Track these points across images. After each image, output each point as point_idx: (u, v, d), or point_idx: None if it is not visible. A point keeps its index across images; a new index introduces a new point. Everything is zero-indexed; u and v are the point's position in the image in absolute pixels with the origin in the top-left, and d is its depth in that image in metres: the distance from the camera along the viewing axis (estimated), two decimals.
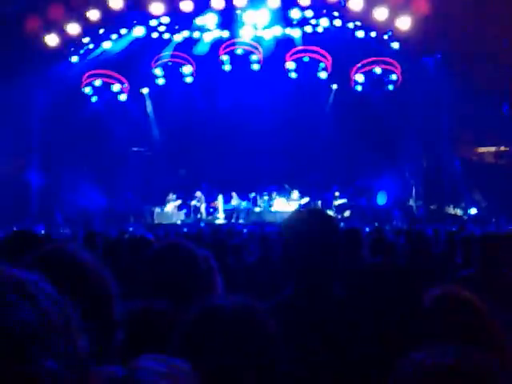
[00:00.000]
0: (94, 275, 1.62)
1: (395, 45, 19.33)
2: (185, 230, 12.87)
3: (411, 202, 18.91)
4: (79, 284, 1.56)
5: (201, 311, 1.52)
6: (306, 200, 18.58)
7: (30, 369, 0.69)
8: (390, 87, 20.26)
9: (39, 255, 1.66)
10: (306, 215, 2.34)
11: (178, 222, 17.90)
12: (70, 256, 1.63)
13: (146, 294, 2.22)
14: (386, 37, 19.31)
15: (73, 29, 18.13)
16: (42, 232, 12.35)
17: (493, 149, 19.66)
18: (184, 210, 18.85)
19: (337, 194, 18.67)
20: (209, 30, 19.36)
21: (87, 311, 1.50)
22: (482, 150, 20.04)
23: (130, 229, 14.25)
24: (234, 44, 19.77)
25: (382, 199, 19.32)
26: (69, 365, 0.75)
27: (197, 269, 2.42)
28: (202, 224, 16.89)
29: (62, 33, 18.50)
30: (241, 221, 17.88)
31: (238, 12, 18.90)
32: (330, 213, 17.82)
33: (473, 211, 18.22)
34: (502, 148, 19.45)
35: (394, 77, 20.08)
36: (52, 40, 18.15)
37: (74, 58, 19.22)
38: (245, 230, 11.09)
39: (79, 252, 1.66)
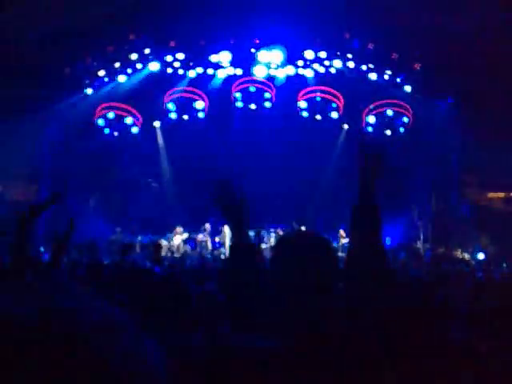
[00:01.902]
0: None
1: (407, 88, 19.50)
2: (189, 262, 12.86)
3: (418, 245, 18.76)
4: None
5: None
6: None
7: None
8: (401, 129, 20.35)
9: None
10: (298, 238, 2.16)
11: (184, 255, 17.88)
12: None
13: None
14: (398, 80, 19.52)
15: (89, 62, 18.62)
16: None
17: (502, 194, 19.59)
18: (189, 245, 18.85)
19: (342, 232, 18.56)
20: (222, 67, 19.68)
21: None
22: (491, 195, 19.97)
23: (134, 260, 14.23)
24: (247, 82, 20.05)
25: (388, 240, 19.21)
26: None
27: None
28: (208, 257, 16.87)
29: (78, 65, 18.94)
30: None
31: (253, 51, 19.23)
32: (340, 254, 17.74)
33: (480, 256, 18.04)
34: None
35: (405, 119, 20.20)
36: (69, 73, 18.55)
37: (89, 91, 19.56)
38: None
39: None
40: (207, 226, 18.87)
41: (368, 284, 2.13)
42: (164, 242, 18.31)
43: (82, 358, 0.72)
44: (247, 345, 1.51)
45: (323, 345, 1.90)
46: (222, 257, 17.57)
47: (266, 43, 18.88)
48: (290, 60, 19.47)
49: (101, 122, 19.99)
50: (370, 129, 20.51)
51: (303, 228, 18.64)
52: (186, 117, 20.55)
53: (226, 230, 18.58)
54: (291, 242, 2.15)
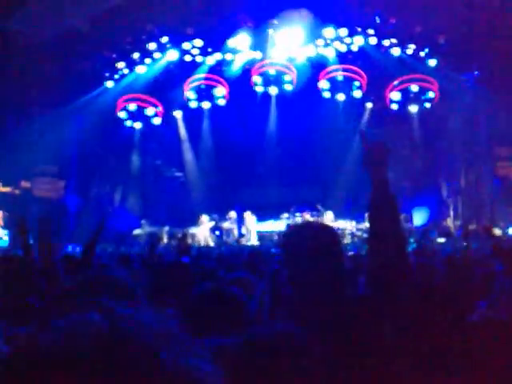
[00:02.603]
0: None
1: (432, 62, 18.96)
2: (217, 251, 12.88)
3: (449, 222, 18.40)
4: None
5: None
6: (340, 223, 18.29)
7: None
8: (427, 105, 19.85)
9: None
10: (304, 229, 2.25)
11: (211, 244, 17.93)
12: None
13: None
14: (422, 54, 18.99)
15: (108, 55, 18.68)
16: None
17: None
18: (217, 232, 18.89)
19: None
20: (241, 52, 19.44)
21: None
22: None
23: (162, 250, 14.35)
24: (266, 65, 19.77)
25: (419, 219, 18.92)
26: None
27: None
28: (234, 245, 16.93)
29: (98, 59, 19.00)
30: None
31: (271, 32, 18.93)
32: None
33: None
34: None
35: (431, 94, 19.66)
36: (89, 66, 18.64)
37: (109, 83, 19.60)
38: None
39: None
40: (232, 213, 18.85)
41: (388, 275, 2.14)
42: (190, 232, 18.37)
43: (146, 364, 0.82)
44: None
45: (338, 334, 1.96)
46: (249, 244, 17.57)
47: (284, 24, 18.54)
48: (310, 39, 19.11)
49: (123, 114, 20.03)
50: (394, 106, 20.06)
51: (329, 212, 18.49)
52: (206, 105, 20.43)
53: (248, 216, 18.59)
54: (299, 232, 2.24)
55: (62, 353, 0.82)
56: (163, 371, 0.81)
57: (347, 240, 16.71)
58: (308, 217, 18.34)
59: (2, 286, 3.13)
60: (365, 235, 17.81)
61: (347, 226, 18.06)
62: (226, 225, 18.71)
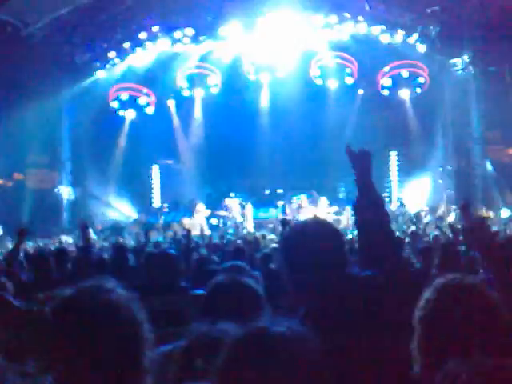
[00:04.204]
0: (127, 319, 1.61)
1: (421, 48, 19.12)
2: (214, 240, 12.91)
3: (442, 207, 18.61)
4: (111, 327, 1.56)
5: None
6: (334, 208, 18.41)
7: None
8: (418, 90, 20.04)
9: (74, 294, 1.65)
10: (307, 228, 2.26)
11: (208, 233, 17.89)
12: (104, 297, 1.62)
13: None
14: (411, 40, 19.13)
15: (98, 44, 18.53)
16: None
17: None
18: (213, 220, 18.86)
19: None
20: (233, 40, 19.41)
21: (119, 354, 1.50)
22: None
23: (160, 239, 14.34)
24: (258, 53, 19.78)
25: (412, 203, 19.14)
26: None
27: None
28: (231, 232, 16.93)
29: (89, 49, 18.84)
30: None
31: (261, 19, 18.90)
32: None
33: (505, 213, 17.88)
34: None
35: (421, 79, 19.87)
36: (80, 56, 18.48)
37: (101, 73, 19.45)
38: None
39: (114, 292, 1.64)
40: (228, 201, 18.84)
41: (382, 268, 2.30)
42: (186, 221, 18.31)
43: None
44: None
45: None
46: (245, 232, 17.55)
47: (274, 11, 18.51)
48: (300, 27, 19.12)
49: (115, 104, 19.90)
50: (385, 92, 20.21)
51: (323, 197, 18.60)
52: (199, 93, 20.38)
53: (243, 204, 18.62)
54: (303, 229, 2.27)
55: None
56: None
57: (342, 224, 16.78)
58: (305, 201, 18.41)
59: None
60: None
61: (343, 212, 18.16)
62: (221, 213, 18.69)
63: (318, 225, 2.31)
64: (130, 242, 14.59)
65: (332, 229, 2.31)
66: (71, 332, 1.56)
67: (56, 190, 19.29)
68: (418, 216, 17.85)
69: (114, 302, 1.62)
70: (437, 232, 11.57)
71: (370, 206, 2.44)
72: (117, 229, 18.07)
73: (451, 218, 17.05)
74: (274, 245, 9.64)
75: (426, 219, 17.28)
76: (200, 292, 4.19)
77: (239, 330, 1.53)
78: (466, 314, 1.90)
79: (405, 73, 19.85)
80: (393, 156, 20.50)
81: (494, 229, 11.02)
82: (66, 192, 19.45)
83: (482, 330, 1.88)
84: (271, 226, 17.91)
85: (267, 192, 20.23)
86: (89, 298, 1.63)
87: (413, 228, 14.39)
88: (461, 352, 1.70)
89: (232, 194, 19.54)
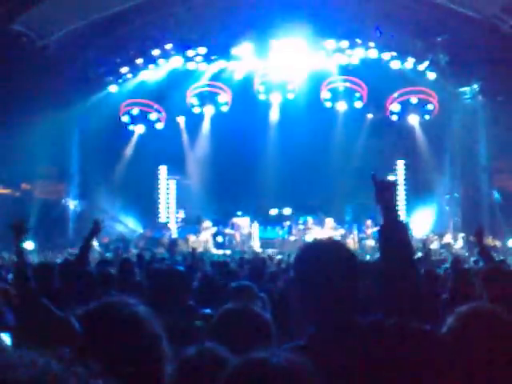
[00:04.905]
0: (147, 335, 1.63)
1: (431, 75, 19.26)
2: (219, 258, 12.92)
3: (449, 234, 18.61)
4: (130, 342, 1.59)
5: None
6: (341, 231, 18.40)
7: None
8: (427, 117, 20.13)
9: (94, 309, 1.68)
10: (321, 250, 2.25)
11: (213, 250, 17.91)
12: (125, 313, 1.65)
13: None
14: (421, 67, 19.28)
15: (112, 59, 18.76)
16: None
17: None
18: (219, 238, 18.87)
19: (369, 222, 18.46)
20: (244, 60, 19.60)
21: (138, 370, 1.52)
22: None
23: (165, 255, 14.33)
24: (269, 74, 19.95)
25: (419, 229, 19.11)
26: None
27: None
28: (237, 251, 16.94)
29: (102, 63, 19.05)
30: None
31: (274, 42, 19.10)
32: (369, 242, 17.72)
33: (511, 243, 17.85)
34: None
35: (430, 106, 19.97)
36: (93, 70, 18.69)
37: (113, 87, 19.61)
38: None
39: (134, 308, 1.67)
40: (235, 220, 18.88)
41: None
42: (192, 238, 18.36)
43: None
44: None
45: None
46: (250, 251, 17.55)
47: (287, 34, 18.72)
48: (312, 50, 19.32)
49: (126, 118, 20.04)
50: (394, 117, 20.31)
51: (330, 219, 18.62)
52: (209, 111, 20.52)
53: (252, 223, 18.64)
54: (315, 249, 2.28)
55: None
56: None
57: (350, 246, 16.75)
58: (311, 222, 18.44)
59: None
60: (365, 242, 17.99)
61: (349, 235, 18.21)
62: (228, 231, 18.71)
63: (331, 245, 2.30)
64: (135, 256, 14.58)
65: (346, 250, 2.30)
66: (98, 343, 1.58)
67: (63, 201, 19.36)
68: (424, 242, 17.81)
69: (139, 315, 1.65)
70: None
71: (394, 234, 2.48)
72: (122, 242, 18.10)
73: (458, 245, 17.02)
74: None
75: (433, 246, 17.26)
76: (208, 311, 4.20)
77: (240, 359, 1.54)
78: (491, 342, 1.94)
79: (414, 99, 19.96)
80: (400, 181, 20.53)
81: (501, 257, 10.99)
82: (72, 204, 19.52)
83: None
84: (277, 245, 18.05)
85: (274, 212, 20.25)
86: (115, 310, 1.66)
87: (419, 254, 14.35)
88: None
89: (239, 213, 19.57)
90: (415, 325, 2.01)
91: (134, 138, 20.48)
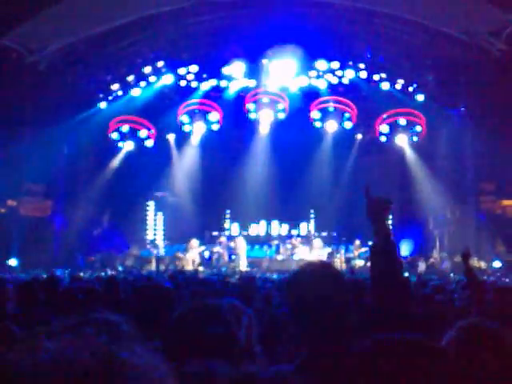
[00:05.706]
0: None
1: (420, 97, 19.46)
2: (204, 276, 12.85)
3: (435, 254, 18.67)
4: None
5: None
6: (328, 250, 18.43)
7: None
8: (415, 138, 20.29)
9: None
10: (312, 274, 2.22)
11: (201, 269, 17.82)
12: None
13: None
14: (410, 89, 19.48)
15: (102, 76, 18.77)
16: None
17: None
18: (206, 254, 18.81)
19: (357, 242, 18.52)
20: (236, 79, 19.70)
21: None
22: (505, 202, 19.84)
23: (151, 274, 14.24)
24: (260, 93, 20.06)
25: (405, 249, 19.15)
26: None
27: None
28: (224, 269, 16.87)
29: (93, 80, 19.05)
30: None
31: (265, 62, 19.26)
32: (358, 262, 17.71)
33: (496, 264, 17.94)
34: None
35: (418, 128, 20.13)
36: (83, 87, 18.68)
37: (103, 104, 19.59)
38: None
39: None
40: (222, 238, 18.85)
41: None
42: (180, 255, 18.28)
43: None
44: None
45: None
46: (238, 270, 17.49)
47: (278, 55, 18.89)
48: (303, 71, 19.49)
49: (115, 135, 19.98)
50: (383, 138, 20.45)
51: (318, 239, 18.65)
52: (200, 129, 20.52)
53: (238, 242, 18.55)
54: (306, 273, 2.25)
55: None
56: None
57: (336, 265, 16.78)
58: (298, 243, 18.45)
59: None
60: (353, 262, 17.98)
61: (336, 254, 18.21)
62: (215, 249, 18.65)
63: (321, 268, 2.28)
64: (121, 274, 14.48)
65: (334, 272, 2.28)
66: None
67: (49, 218, 19.17)
68: (410, 262, 17.88)
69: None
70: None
71: (385, 252, 2.48)
72: (109, 260, 17.97)
73: (445, 266, 17.06)
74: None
75: (420, 267, 17.32)
76: None
77: (228, 373, 1.52)
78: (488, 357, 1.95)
79: (402, 120, 20.13)
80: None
81: (485, 278, 11.05)
82: (59, 221, 19.33)
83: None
84: (265, 264, 17.97)
85: (262, 231, 20.27)
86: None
87: (406, 274, 14.38)
88: None
89: (226, 233, 19.56)
90: (411, 340, 2.02)
91: (122, 155, 20.35)
